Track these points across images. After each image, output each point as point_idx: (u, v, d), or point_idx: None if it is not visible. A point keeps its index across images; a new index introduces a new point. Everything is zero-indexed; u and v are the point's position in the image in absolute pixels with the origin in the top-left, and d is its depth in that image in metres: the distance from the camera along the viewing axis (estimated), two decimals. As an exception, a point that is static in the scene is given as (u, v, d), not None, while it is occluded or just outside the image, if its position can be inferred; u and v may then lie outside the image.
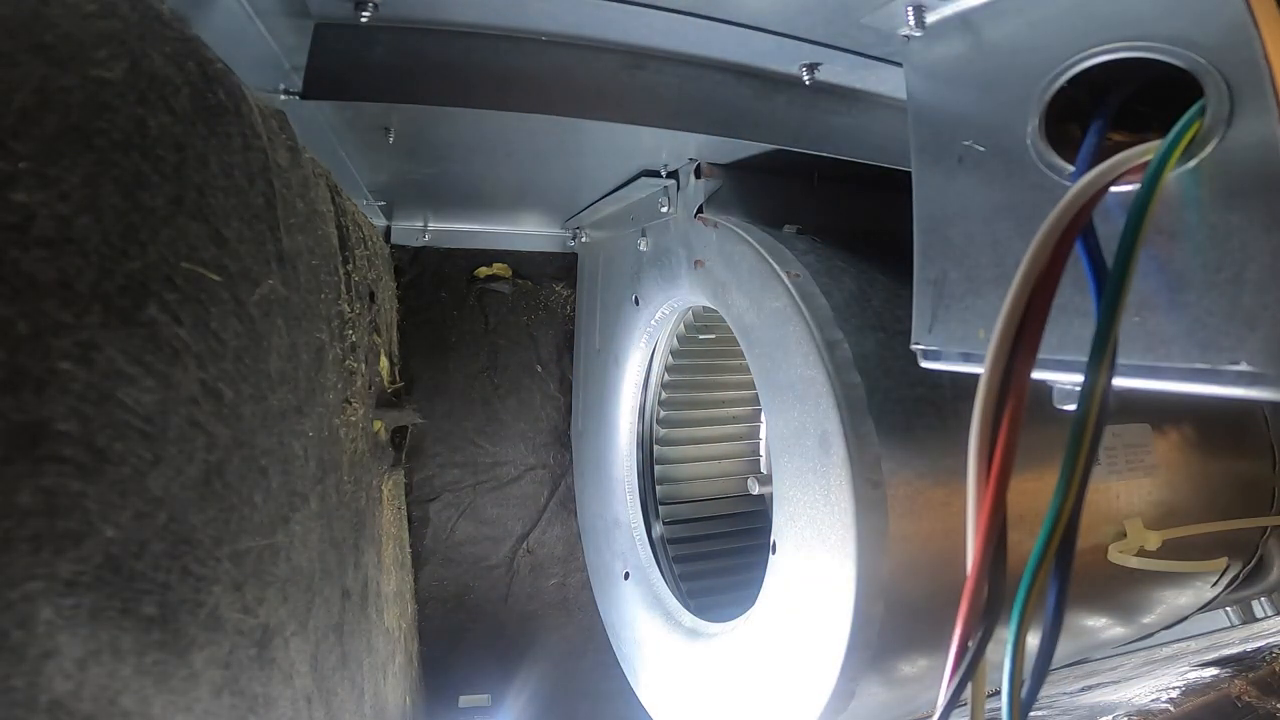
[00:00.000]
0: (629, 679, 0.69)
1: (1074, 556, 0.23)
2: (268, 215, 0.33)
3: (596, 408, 0.77)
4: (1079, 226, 0.25)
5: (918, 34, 0.36)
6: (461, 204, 0.79)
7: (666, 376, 0.69)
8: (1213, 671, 0.49)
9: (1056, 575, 0.23)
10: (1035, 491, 0.42)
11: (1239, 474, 0.55)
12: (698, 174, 0.56)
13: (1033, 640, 0.25)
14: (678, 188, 0.59)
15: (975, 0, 0.34)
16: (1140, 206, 0.23)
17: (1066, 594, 0.23)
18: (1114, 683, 0.54)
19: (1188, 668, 0.51)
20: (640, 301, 0.67)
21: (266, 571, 0.30)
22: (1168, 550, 0.45)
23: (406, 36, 0.43)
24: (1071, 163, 0.29)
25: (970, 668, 0.25)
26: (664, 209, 0.61)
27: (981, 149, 0.33)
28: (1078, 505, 0.23)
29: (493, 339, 0.86)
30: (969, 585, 0.25)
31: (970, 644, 0.25)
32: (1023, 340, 0.25)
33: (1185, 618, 0.60)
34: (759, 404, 0.71)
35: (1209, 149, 0.25)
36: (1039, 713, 0.26)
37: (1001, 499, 0.25)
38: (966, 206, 0.34)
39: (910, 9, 0.36)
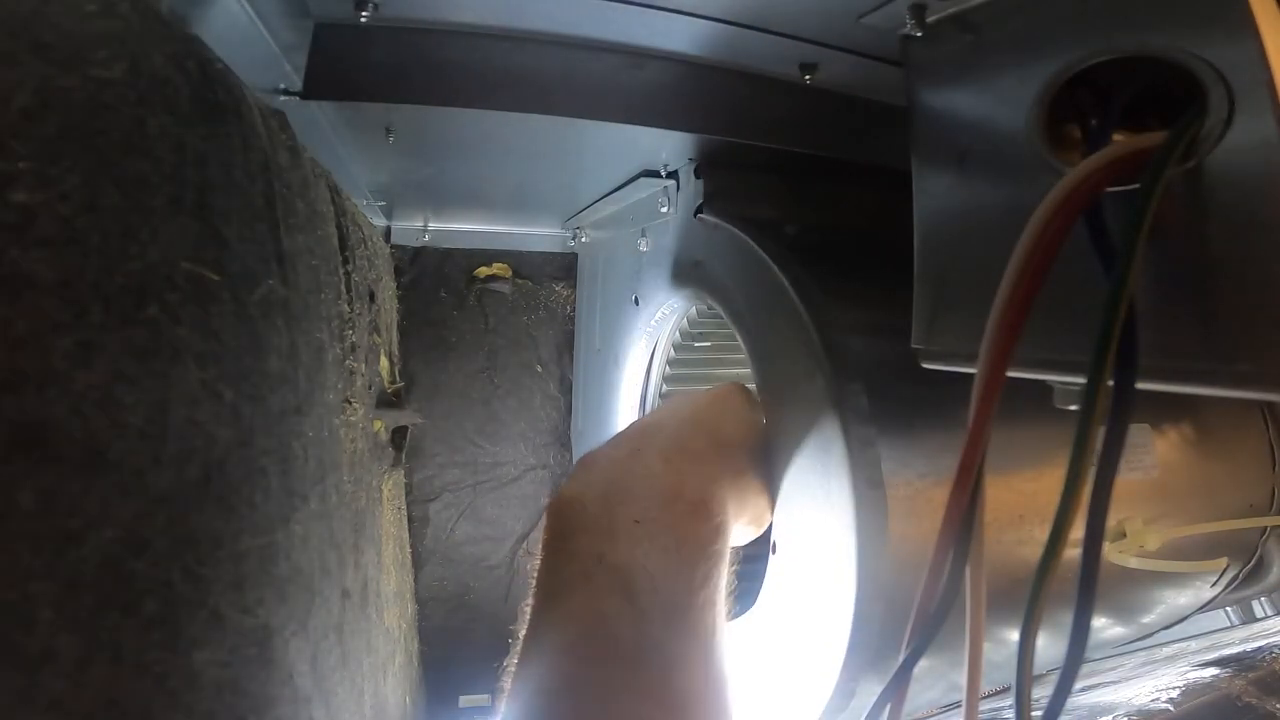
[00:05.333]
0: (629, 679, 0.68)
1: (1099, 563, 0.23)
2: (268, 215, 0.33)
3: (596, 408, 0.77)
4: (1073, 214, 0.25)
5: (918, 34, 0.36)
6: (461, 204, 0.79)
7: (667, 372, 0.68)
8: (1213, 671, 0.49)
9: (1082, 580, 0.23)
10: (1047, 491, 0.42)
11: (1239, 474, 0.55)
12: (698, 174, 0.56)
13: (1042, 640, 0.25)
14: (678, 188, 0.59)
15: (975, 0, 0.34)
16: (1141, 207, 0.23)
17: (1092, 597, 0.23)
18: (1114, 683, 0.54)
19: (1188, 668, 0.51)
20: (640, 301, 0.66)
21: (266, 571, 0.30)
22: (1167, 550, 0.45)
23: (406, 36, 0.43)
24: (1073, 163, 0.29)
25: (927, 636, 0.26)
26: (664, 209, 0.60)
27: (982, 149, 0.33)
28: (1100, 510, 0.23)
29: (493, 339, 0.86)
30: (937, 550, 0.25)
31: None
32: (1012, 324, 0.25)
33: (1185, 618, 0.60)
34: (759, 404, 0.71)
35: (1209, 149, 0.25)
36: (1037, 713, 0.26)
37: (970, 484, 0.25)
38: (966, 206, 0.34)
39: (910, 9, 0.36)
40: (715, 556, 0.31)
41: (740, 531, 0.39)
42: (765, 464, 0.42)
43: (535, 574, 0.31)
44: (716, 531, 0.32)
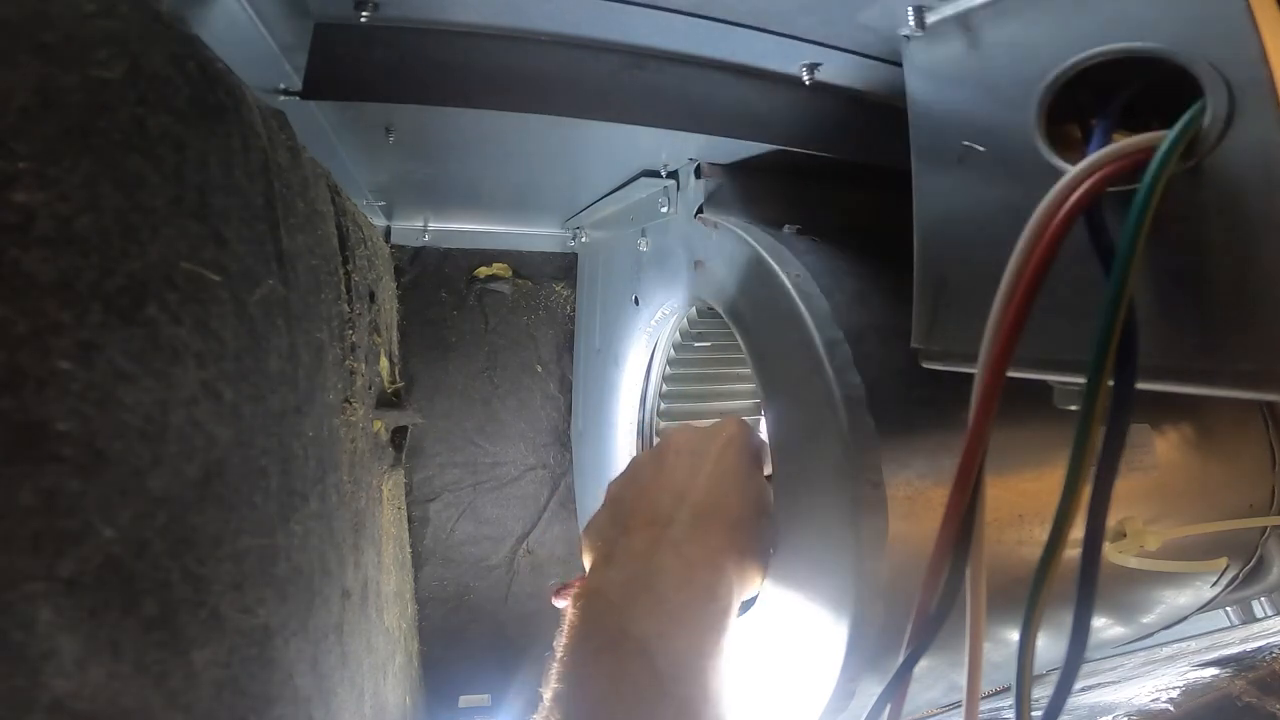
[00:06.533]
0: (629, 679, 0.68)
1: (1098, 563, 0.23)
2: (268, 215, 0.33)
3: (596, 408, 0.77)
4: (1073, 214, 0.25)
5: (918, 34, 0.36)
6: (461, 204, 0.79)
7: (667, 372, 0.68)
8: (1213, 671, 0.49)
9: (1082, 580, 0.23)
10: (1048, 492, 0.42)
11: (1239, 474, 0.55)
12: (698, 174, 0.56)
13: (1042, 640, 0.25)
14: (678, 188, 0.59)
15: (975, 0, 0.34)
16: (1141, 207, 0.23)
17: (1092, 597, 0.23)
18: (1114, 683, 0.54)
19: (1188, 668, 0.51)
20: (640, 301, 0.66)
21: (266, 571, 0.30)
22: (1167, 550, 0.45)
23: (406, 36, 0.43)
24: (1073, 163, 0.29)
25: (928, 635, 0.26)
26: (664, 209, 0.60)
27: (981, 149, 0.33)
28: (1100, 510, 0.23)
29: (493, 339, 0.86)
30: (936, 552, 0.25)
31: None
32: (1012, 324, 0.25)
33: (1185, 618, 0.60)
34: (759, 404, 0.71)
35: (1209, 149, 0.25)
36: (1037, 713, 0.26)
37: (969, 485, 0.25)
38: (966, 206, 0.34)
39: (911, 9, 0.36)
40: (722, 628, 0.37)
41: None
42: (767, 532, 0.44)
43: (562, 649, 0.35)
44: (723, 610, 0.38)
